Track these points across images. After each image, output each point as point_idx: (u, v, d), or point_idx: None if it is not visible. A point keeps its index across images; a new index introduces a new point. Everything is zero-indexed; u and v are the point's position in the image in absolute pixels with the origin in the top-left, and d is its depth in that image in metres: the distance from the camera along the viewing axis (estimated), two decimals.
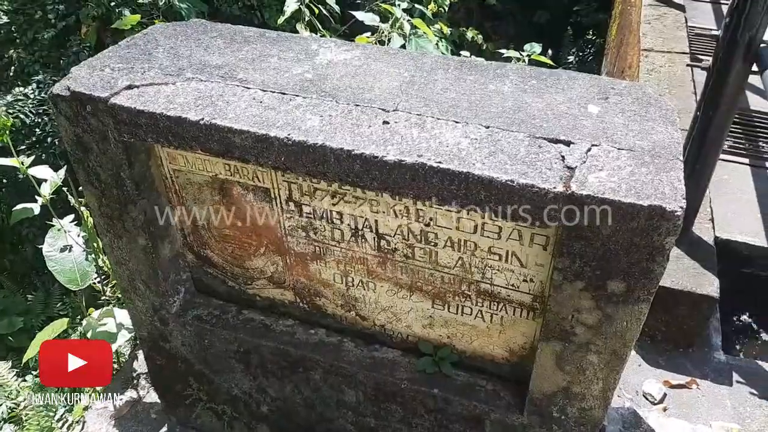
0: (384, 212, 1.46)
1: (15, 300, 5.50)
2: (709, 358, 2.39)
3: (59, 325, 2.18)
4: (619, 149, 1.24)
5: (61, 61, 5.09)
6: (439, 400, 1.63)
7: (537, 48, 3.24)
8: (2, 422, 2.44)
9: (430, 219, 1.42)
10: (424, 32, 3.69)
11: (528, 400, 1.53)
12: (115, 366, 2.48)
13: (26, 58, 5.42)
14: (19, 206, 2.04)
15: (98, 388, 2.62)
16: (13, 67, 5.41)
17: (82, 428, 2.15)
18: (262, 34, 1.75)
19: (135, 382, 2.29)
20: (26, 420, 2.26)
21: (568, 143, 1.25)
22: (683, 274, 2.36)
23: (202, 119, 1.37)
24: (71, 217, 2.13)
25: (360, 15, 3.79)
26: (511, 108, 1.37)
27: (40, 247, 5.05)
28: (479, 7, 9.65)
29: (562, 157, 1.22)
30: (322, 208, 1.52)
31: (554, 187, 1.14)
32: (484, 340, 1.60)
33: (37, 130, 4.99)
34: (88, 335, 2.08)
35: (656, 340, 2.43)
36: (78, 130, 1.53)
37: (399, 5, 4.22)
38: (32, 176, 1.99)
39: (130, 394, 2.26)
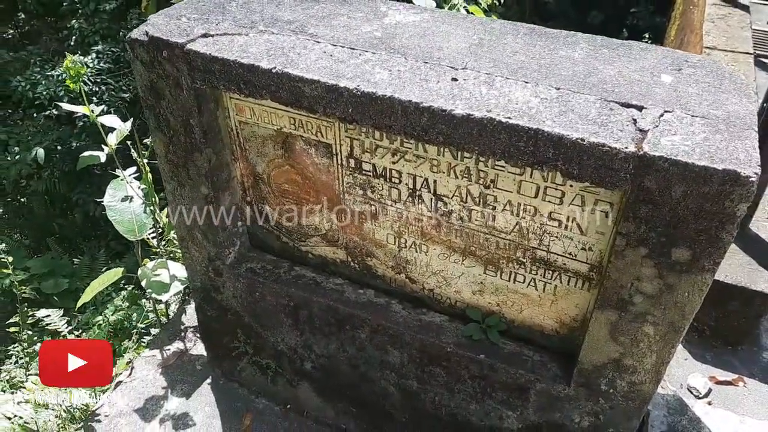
0: (444, 172, 1.47)
1: (61, 262, 5.72)
2: (758, 358, 2.32)
3: (114, 273, 2.27)
4: (692, 116, 1.21)
5: (120, 34, 5.24)
6: (485, 367, 1.64)
7: None
8: None
9: (491, 181, 1.42)
10: None
11: (576, 371, 1.52)
12: (164, 318, 2.56)
13: (87, 29, 5.61)
14: (87, 153, 2.13)
15: (146, 339, 2.72)
16: (74, 37, 5.61)
17: (130, 373, 2.23)
18: None
19: (182, 335, 2.36)
20: None
21: (640, 108, 1.24)
22: (738, 269, 2.30)
23: (275, 68, 1.40)
24: (133, 169, 2.21)
25: None
26: (581, 73, 1.36)
27: (90, 214, 5.23)
28: (532, 4, 9.53)
29: (634, 120, 1.21)
30: (382, 165, 1.54)
31: (626, 147, 1.13)
32: (535, 310, 1.59)
33: (94, 98, 5.15)
34: (143, 283, 2.15)
35: (704, 335, 2.38)
36: (152, 76, 1.58)
37: None
38: (101, 124, 2.06)
39: (177, 345, 2.33)
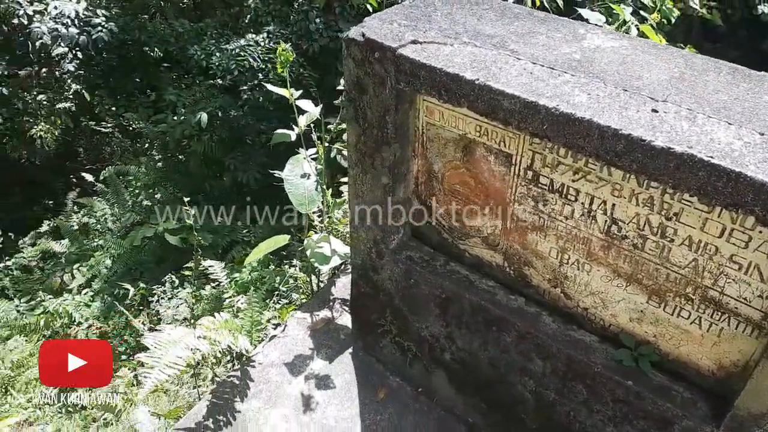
0: (625, 198, 1.50)
1: (207, 219, 6.27)
2: None
3: (281, 239, 2.51)
4: None
5: (291, 17, 5.63)
6: (631, 393, 1.66)
7: None
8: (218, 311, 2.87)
9: (674, 214, 1.44)
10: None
11: (730, 416, 1.50)
12: (314, 287, 2.79)
13: (261, 9, 6.08)
14: (280, 131, 2.37)
15: (297, 303, 2.98)
16: (249, 16, 6.10)
17: (284, 329, 2.47)
18: (530, 13, 1.86)
19: (331, 304, 2.57)
20: (242, 311, 2.64)
21: None
22: None
23: (477, 79, 1.51)
24: (312, 150, 2.42)
25: (586, 12, 3.75)
26: None
27: (238, 179, 5.62)
28: (701, 26, 8.95)
29: None
30: (560, 181, 1.60)
31: None
32: (694, 348, 1.59)
33: (260, 75, 5.59)
34: (307, 253, 2.37)
35: None
36: (360, 73, 1.75)
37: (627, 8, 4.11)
38: (297, 106, 2.30)
39: (326, 313, 2.54)
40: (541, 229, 1.72)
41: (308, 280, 3.37)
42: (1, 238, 6.66)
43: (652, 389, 1.63)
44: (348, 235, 2.88)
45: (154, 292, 5.21)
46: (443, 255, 2.03)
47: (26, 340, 5.10)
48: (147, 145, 7.21)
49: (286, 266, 3.73)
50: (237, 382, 2.26)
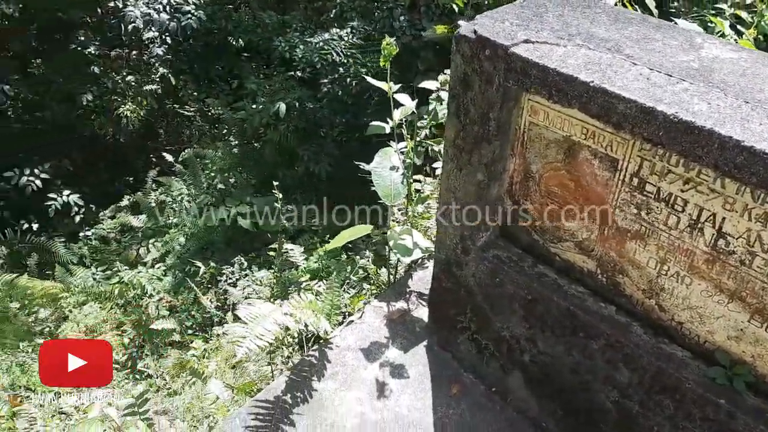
0: (737, 212, 1.47)
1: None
2: None
3: (364, 229, 2.57)
4: None
5: (375, 14, 5.71)
6: (722, 412, 1.61)
7: None
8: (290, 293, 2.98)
9: None
10: None
11: None
12: (391, 278, 2.84)
13: (346, 4, 6.20)
14: (375, 123, 2.43)
15: (367, 293, 3.04)
16: (333, 11, 6.23)
17: (361, 316, 2.53)
18: (644, 19, 1.83)
19: (407, 296, 2.62)
20: (323, 293, 2.72)
21: None
22: None
23: (592, 82, 1.51)
24: (402, 144, 2.47)
25: (683, 23, 3.65)
26: None
27: (310, 170, 5.75)
28: None
29: None
30: (667, 190, 1.58)
31: None
32: None
33: (341, 69, 5.70)
34: (390, 244, 2.42)
35: None
36: (468, 69, 1.77)
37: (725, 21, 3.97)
38: (395, 99, 2.35)
39: (402, 304, 2.59)
40: (641, 237, 1.70)
41: (378, 271, 3.43)
42: (84, 209, 7.05)
43: (746, 410, 1.58)
44: (428, 230, 2.92)
45: (222, 271, 5.41)
46: (532, 256, 2.03)
47: (100, 307, 5.40)
48: (225, 130, 7.47)
49: (357, 257, 3.80)
50: (315, 362, 2.33)
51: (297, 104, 6.40)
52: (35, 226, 6.76)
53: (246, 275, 5.34)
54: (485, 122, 1.81)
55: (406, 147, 2.46)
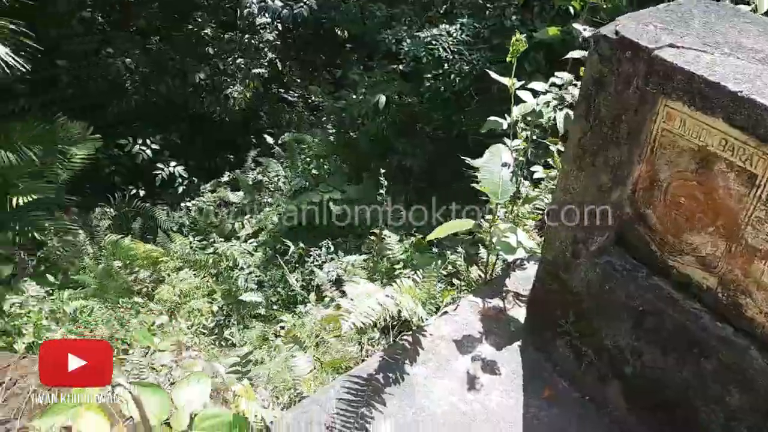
0: None
1: (369, 195, 6.55)
2: None
3: (466, 223, 2.59)
4: None
5: (487, 11, 5.69)
6: None
7: None
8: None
9: None
10: None
11: None
12: (485, 276, 2.85)
13: (457, 1, 6.22)
14: (493, 118, 2.45)
15: (457, 288, 3.06)
16: (444, 6, 6.26)
17: (456, 309, 2.56)
18: None
19: (503, 295, 2.62)
20: (421, 281, 2.77)
21: None
22: None
23: (741, 92, 1.46)
24: (518, 142, 2.47)
25: None
26: None
27: (402, 162, 5.83)
28: None
29: None
30: None
31: None
32: None
33: (446, 65, 5.70)
34: (493, 240, 2.43)
35: None
36: (604, 69, 1.75)
37: None
38: (517, 95, 2.35)
39: (497, 302, 2.59)
40: None
41: (468, 269, 3.44)
42: (186, 181, 7.48)
43: None
44: (531, 231, 2.90)
45: (310, 253, 5.59)
46: (647, 267, 1.98)
47: (194, 274, 5.73)
48: (324, 118, 7.68)
49: (447, 252, 3.83)
50: (408, 347, 2.39)
51: (396, 97, 6.50)
52: (142, 193, 7.24)
53: (332, 259, 5.50)
54: (616, 124, 1.78)
55: (518, 145, 2.45)
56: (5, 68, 5.36)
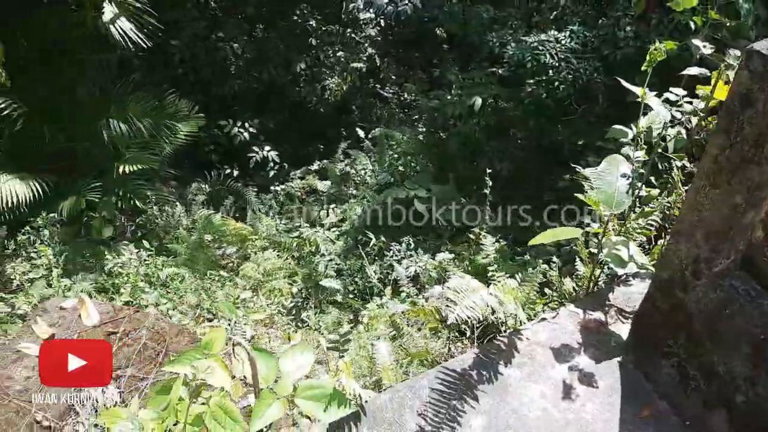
0: None
1: (454, 195, 6.55)
2: None
3: (572, 232, 2.55)
4: None
5: (600, 21, 5.55)
6: None
7: None
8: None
9: None
10: None
11: None
12: (587, 289, 2.80)
13: (569, 8, 6.11)
14: (617, 126, 2.41)
15: (553, 298, 3.02)
16: (554, 12, 6.16)
17: (555, 316, 2.53)
18: None
19: (606, 309, 2.56)
20: (519, 287, 2.77)
21: None
22: None
23: None
24: (639, 153, 2.41)
25: None
26: None
27: (495, 168, 5.78)
28: None
29: None
30: None
31: None
32: None
33: (550, 72, 5.54)
34: (604, 252, 2.38)
35: None
36: (754, 86, 1.68)
37: None
38: (646, 104, 2.30)
39: (599, 315, 2.54)
40: None
41: (562, 279, 3.38)
42: (278, 166, 7.74)
43: None
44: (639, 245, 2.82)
45: (390, 247, 5.65)
46: None
47: (277, 255, 5.92)
48: (416, 116, 7.74)
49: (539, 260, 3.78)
50: (503, 348, 2.38)
51: (492, 101, 6.46)
52: (235, 173, 7.56)
53: (411, 255, 5.54)
54: (759, 143, 1.71)
55: (640, 157, 2.39)
56: (128, 43, 5.76)
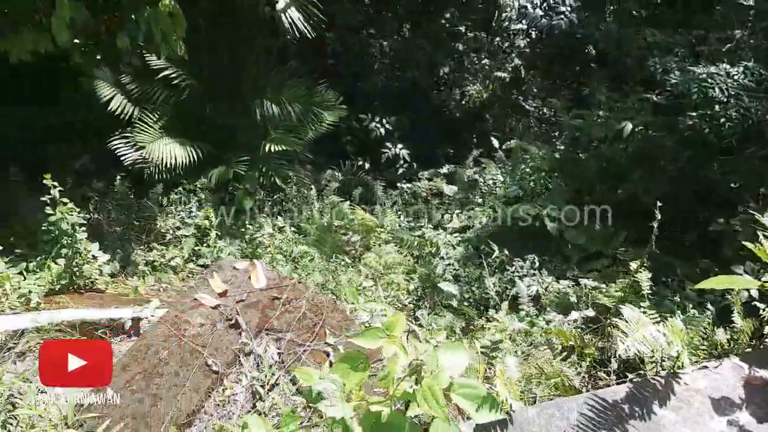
0: None
1: (595, 231, 6.22)
2: None
3: (749, 282, 2.39)
4: None
5: None
6: None
7: None
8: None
9: None
10: None
11: None
12: (746, 344, 2.61)
13: (746, 42, 5.70)
14: None
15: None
16: (728, 45, 5.77)
17: (717, 366, 2.40)
18: None
19: None
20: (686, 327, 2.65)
21: None
22: None
23: None
24: None
25: None
26: None
27: (636, 196, 5.44)
28: None
29: None
30: None
31: None
32: None
33: (716, 107, 5.10)
34: None
35: None
36: None
37: None
38: None
39: (765, 374, 2.37)
40: None
41: (714, 330, 3.17)
42: (407, 164, 7.89)
43: None
44: None
45: (512, 262, 5.57)
46: None
47: (398, 251, 6.04)
48: (555, 132, 7.57)
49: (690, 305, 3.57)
50: (659, 388, 2.29)
51: (642, 127, 6.16)
52: (367, 166, 7.80)
53: (534, 274, 5.42)
54: None
55: None
56: (295, 32, 6.11)
